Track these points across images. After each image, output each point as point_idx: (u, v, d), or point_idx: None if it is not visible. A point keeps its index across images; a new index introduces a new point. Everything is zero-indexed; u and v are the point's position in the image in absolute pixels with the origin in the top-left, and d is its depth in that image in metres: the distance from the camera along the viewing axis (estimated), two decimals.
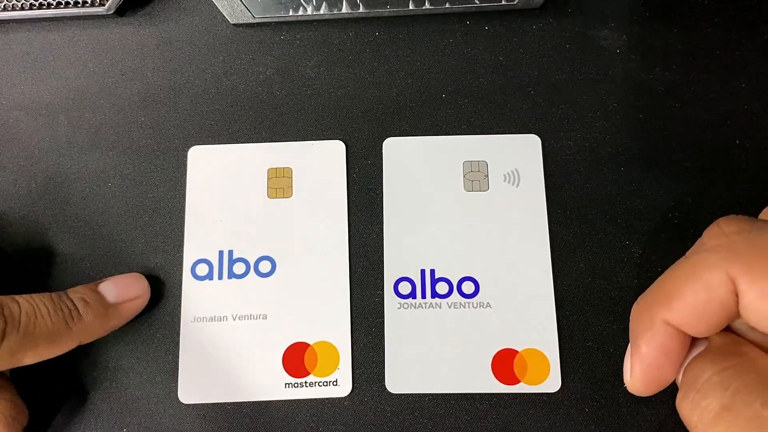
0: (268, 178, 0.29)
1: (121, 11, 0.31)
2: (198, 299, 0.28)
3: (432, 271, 0.28)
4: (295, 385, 0.27)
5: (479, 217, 0.29)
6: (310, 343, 0.28)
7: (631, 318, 0.23)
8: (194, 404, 0.27)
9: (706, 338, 0.22)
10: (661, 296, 0.21)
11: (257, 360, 0.27)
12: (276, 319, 0.28)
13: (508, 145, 0.29)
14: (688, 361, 0.21)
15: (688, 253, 0.22)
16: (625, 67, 0.30)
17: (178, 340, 0.28)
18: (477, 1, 0.30)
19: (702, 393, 0.19)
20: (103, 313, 0.26)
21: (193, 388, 0.27)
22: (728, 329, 0.21)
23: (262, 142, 0.30)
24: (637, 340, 0.22)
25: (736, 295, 0.19)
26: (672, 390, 0.22)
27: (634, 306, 0.22)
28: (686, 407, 0.20)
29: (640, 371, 0.22)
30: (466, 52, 0.30)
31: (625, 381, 0.23)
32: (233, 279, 0.28)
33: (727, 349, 0.20)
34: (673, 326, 0.21)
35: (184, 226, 0.29)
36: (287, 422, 0.27)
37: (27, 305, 0.24)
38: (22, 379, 0.28)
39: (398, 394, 0.27)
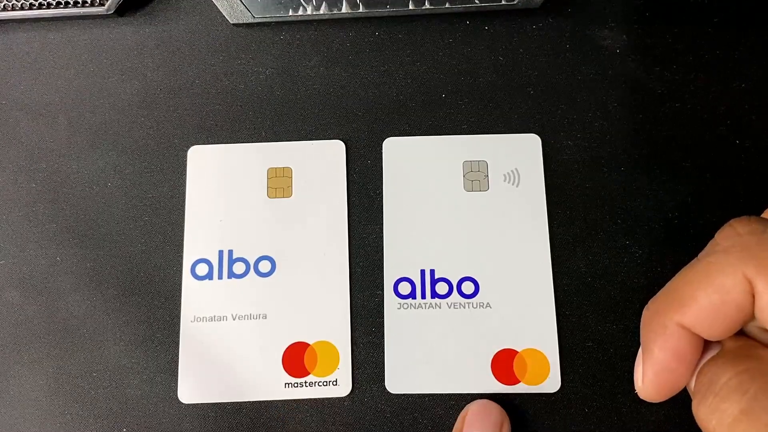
0: (268, 178, 0.29)
1: (121, 11, 0.31)
2: (198, 299, 0.28)
3: (432, 271, 0.28)
4: (295, 384, 0.27)
5: (479, 217, 0.29)
6: (310, 342, 0.28)
7: (642, 323, 0.22)
8: (194, 404, 0.27)
9: (718, 342, 0.21)
10: (674, 299, 0.21)
11: (257, 360, 0.27)
12: (276, 319, 0.28)
13: (508, 145, 0.29)
14: (701, 365, 0.21)
15: (700, 255, 0.21)
16: (625, 67, 0.30)
17: (178, 340, 0.28)
18: (477, 1, 0.30)
19: (721, 396, 0.19)
20: None
21: (193, 388, 0.27)
22: (740, 332, 0.21)
23: (262, 142, 0.30)
24: (649, 344, 0.21)
25: (752, 297, 0.19)
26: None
27: (645, 310, 0.22)
28: (704, 411, 0.19)
29: (653, 376, 0.21)
30: (466, 52, 0.30)
31: (636, 387, 0.22)
32: (233, 279, 0.28)
33: (741, 351, 0.20)
34: (687, 329, 0.21)
35: (184, 226, 0.29)
36: (287, 422, 0.27)
37: None
38: (22, 379, 0.28)
39: (398, 394, 0.27)
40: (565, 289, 0.28)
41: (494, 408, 0.26)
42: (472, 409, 0.26)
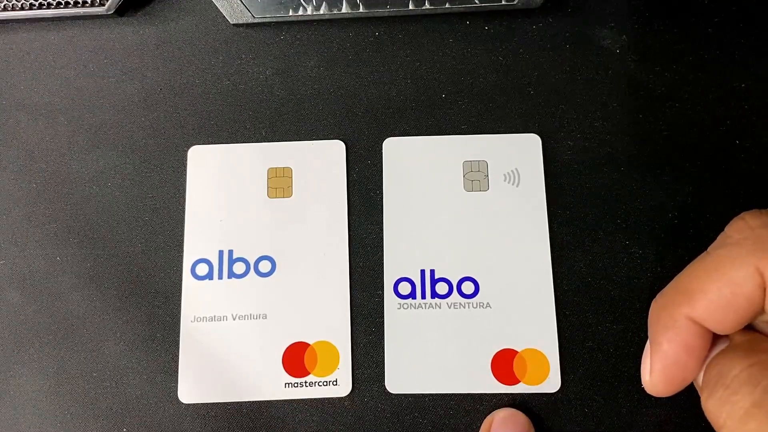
0: (268, 178, 0.29)
1: (121, 11, 0.31)
2: (198, 299, 0.28)
3: (432, 271, 0.28)
4: (295, 384, 0.27)
5: (479, 217, 0.29)
6: (310, 342, 0.28)
7: (649, 317, 0.22)
8: (194, 404, 0.27)
9: (726, 337, 0.21)
10: (684, 292, 0.21)
11: (257, 360, 0.27)
12: (276, 319, 0.28)
13: (508, 145, 0.29)
14: (709, 359, 0.21)
15: (710, 248, 0.21)
16: (625, 67, 0.30)
17: (178, 340, 0.28)
18: (477, 1, 0.30)
19: (731, 389, 0.19)
20: None
21: (193, 387, 0.27)
22: (748, 327, 0.21)
23: (262, 142, 0.30)
24: (657, 337, 0.21)
25: (764, 290, 0.19)
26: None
27: (653, 304, 0.22)
28: (713, 405, 0.19)
29: (661, 370, 0.21)
30: (466, 52, 0.30)
31: (643, 381, 0.22)
32: (233, 279, 0.28)
33: (751, 345, 0.20)
34: (697, 323, 0.20)
35: (184, 226, 0.29)
36: (287, 422, 0.27)
37: None
38: (22, 379, 0.28)
39: (398, 394, 0.27)
40: (565, 289, 0.28)
41: (521, 417, 0.26)
42: (498, 416, 0.26)
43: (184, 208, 0.29)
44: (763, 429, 0.18)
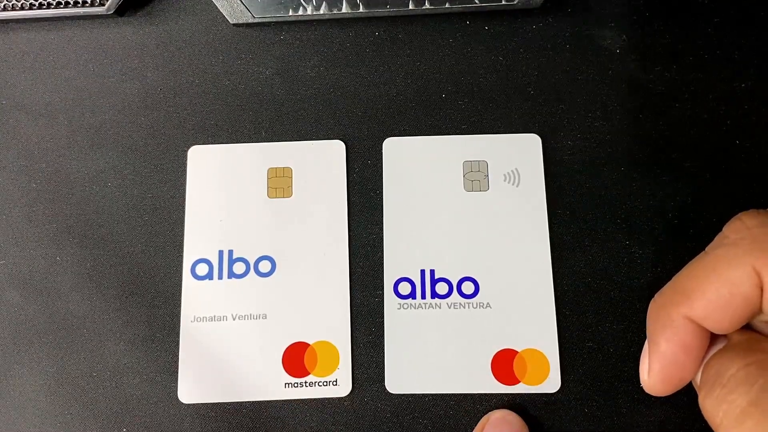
0: (268, 178, 0.29)
1: (121, 11, 0.31)
2: (198, 299, 0.28)
3: (432, 272, 0.28)
4: (295, 384, 0.27)
5: (479, 217, 0.29)
6: (310, 342, 0.28)
7: (648, 316, 0.22)
8: (194, 404, 0.27)
9: (724, 336, 0.21)
10: (682, 292, 0.21)
11: (257, 360, 0.27)
12: (276, 319, 0.28)
13: (508, 145, 0.29)
14: (707, 359, 0.21)
15: (708, 248, 0.21)
16: (625, 67, 0.30)
17: (178, 340, 0.28)
18: (477, 1, 0.30)
19: (728, 388, 0.19)
20: None
21: (193, 388, 0.27)
22: (746, 326, 0.21)
23: (262, 142, 0.30)
24: (656, 337, 0.21)
25: (761, 290, 0.19)
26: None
27: (651, 303, 0.22)
28: (710, 404, 0.19)
29: (659, 369, 0.21)
30: (466, 52, 0.30)
31: (641, 381, 0.22)
32: (233, 279, 0.28)
33: (748, 345, 0.20)
34: (695, 322, 0.20)
35: (184, 226, 0.29)
36: (287, 422, 0.27)
37: None
38: (22, 379, 0.28)
39: (398, 394, 0.27)
40: (565, 289, 0.28)
41: (515, 418, 0.26)
42: (492, 418, 0.26)
43: (184, 208, 0.29)
44: (759, 428, 0.18)
